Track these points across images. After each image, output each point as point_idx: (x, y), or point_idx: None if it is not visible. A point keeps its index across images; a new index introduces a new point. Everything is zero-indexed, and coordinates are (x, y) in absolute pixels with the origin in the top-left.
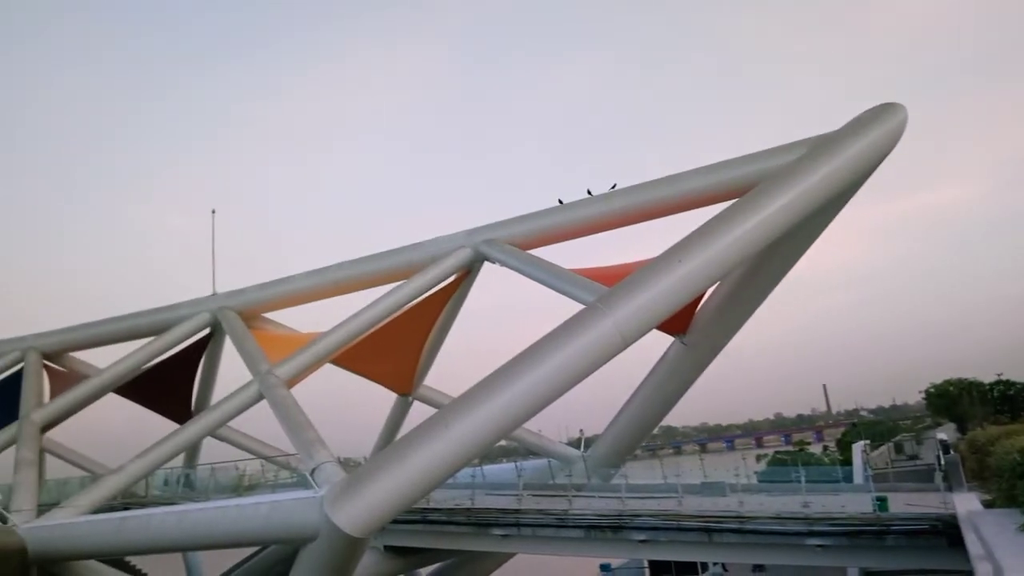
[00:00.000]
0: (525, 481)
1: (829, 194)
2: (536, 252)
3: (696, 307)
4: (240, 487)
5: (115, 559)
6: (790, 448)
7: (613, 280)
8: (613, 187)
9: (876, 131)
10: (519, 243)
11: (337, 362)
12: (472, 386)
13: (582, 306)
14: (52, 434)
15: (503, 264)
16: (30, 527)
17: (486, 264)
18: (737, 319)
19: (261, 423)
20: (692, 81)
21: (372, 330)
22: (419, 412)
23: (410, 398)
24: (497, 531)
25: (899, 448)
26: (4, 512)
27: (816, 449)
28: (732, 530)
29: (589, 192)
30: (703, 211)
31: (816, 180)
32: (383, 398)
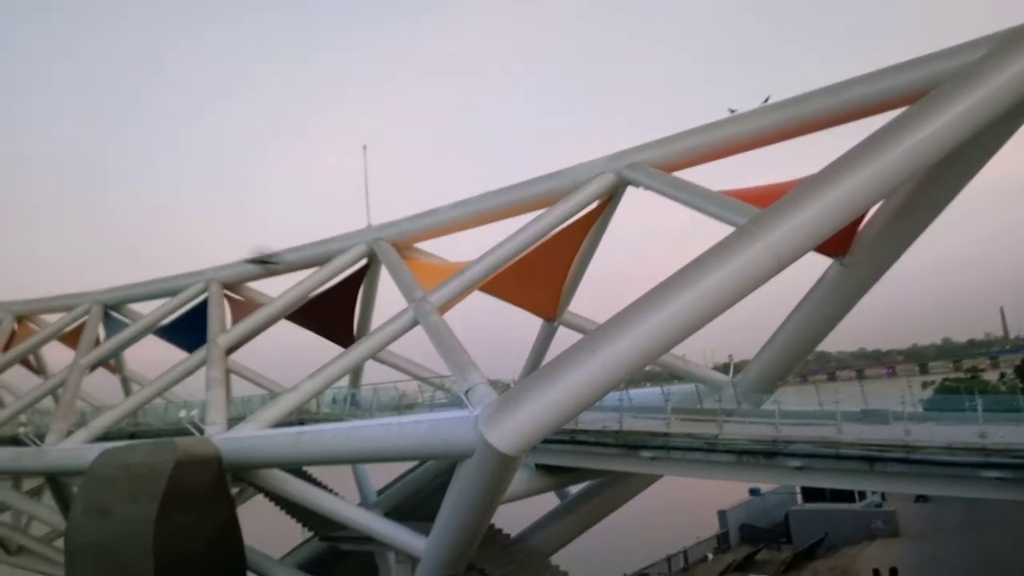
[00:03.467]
0: (672, 405)
1: (1019, 97)
2: (683, 174)
3: (858, 226)
4: (400, 406)
5: (294, 468)
6: (961, 375)
7: (767, 200)
8: (766, 101)
9: None
10: (664, 166)
11: (485, 289)
12: (620, 310)
13: (731, 229)
14: (235, 356)
15: (647, 188)
16: (222, 438)
17: (630, 189)
18: (904, 239)
19: (417, 347)
20: None
21: (517, 258)
22: (564, 337)
23: (555, 323)
24: (645, 453)
25: None
26: (201, 424)
27: (991, 376)
28: (897, 459)
29: (732, 111)
30: (870, 122)
31: (1004, 80)
32: (529, 324)
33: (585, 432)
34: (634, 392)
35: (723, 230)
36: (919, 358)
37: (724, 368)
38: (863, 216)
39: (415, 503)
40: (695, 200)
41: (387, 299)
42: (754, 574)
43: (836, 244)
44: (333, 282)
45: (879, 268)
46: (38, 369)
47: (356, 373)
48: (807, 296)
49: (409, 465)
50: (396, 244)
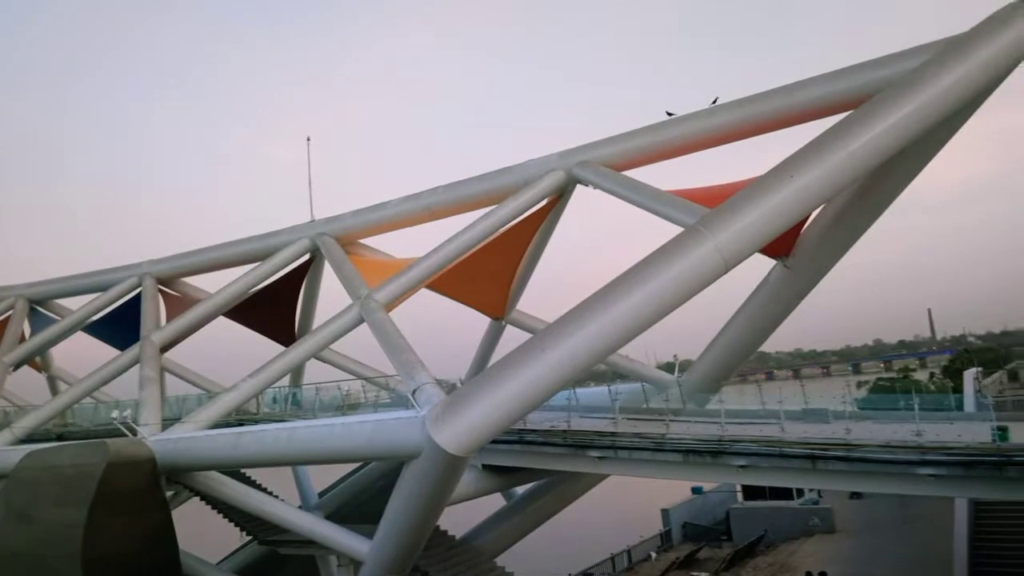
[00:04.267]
0: (619, 405)
1: (956, 104)
2: (632, 174)
3: (801, 228)
4: (344, 406)
5: (232, 471)
6: (893, 374)
7: (715, 201)
8: (714, 102)
9: (1013, 31)
10: (614, 164)
11: (432, 287)
12: (569, 310)
13: (681, 229)
14: (170, 355)
15: (597, 187)
16: (157, 439)
17: (579, 187)
18: (845, 241)
19: (360, 346)
20: None
21: (466, 255)
22: (512, 336)
23: (503, 322)
24: (593, 453)
25: (1014, 376)
26: (133, 425)
27: (921, 376)
28: (838, 458)
29: (669, 114)
30: (814, 125)
31: (943, 88)
32: (475, 323)
33: (533, 432)
34: (580, 391)
35: (674, 229)
36: (852, 358)
37: (668, 367)
38: (806, 219)
39: (358, 505)
40: (644, 200)
41: (330, 296)
42: (695, 572)
43: (780, 246)
44: (274, 278)
45: (820, 270)
46: None
47: (298, 372)
48: (751, 297)
49: (351, 467)
50: (341, 239)
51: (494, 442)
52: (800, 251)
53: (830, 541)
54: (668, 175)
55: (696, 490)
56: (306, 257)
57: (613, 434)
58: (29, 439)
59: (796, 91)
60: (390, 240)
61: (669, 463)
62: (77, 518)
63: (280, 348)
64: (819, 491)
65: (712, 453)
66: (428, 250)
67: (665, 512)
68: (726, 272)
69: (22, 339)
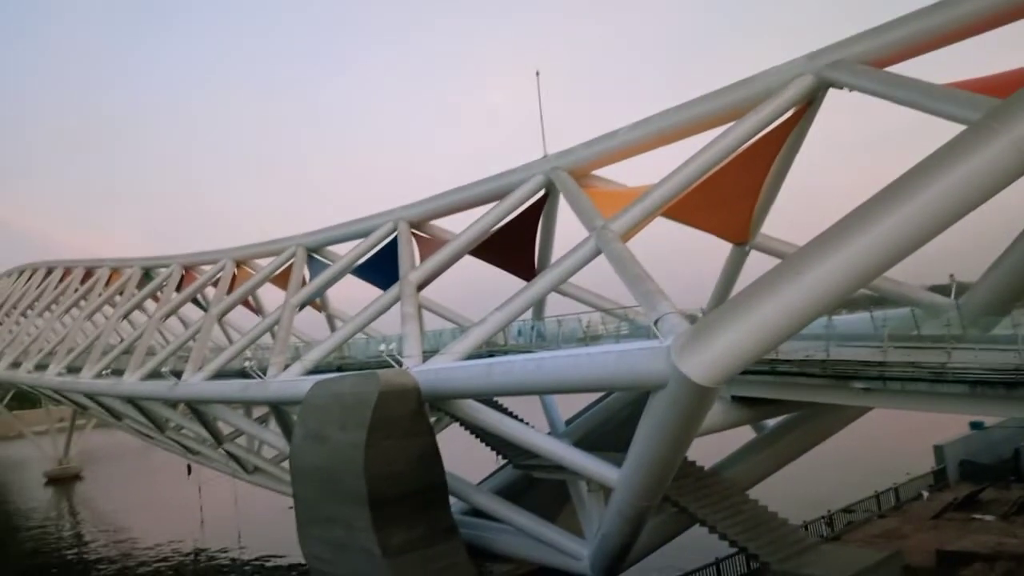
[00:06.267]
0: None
1: None
2: (895, 69)
3: None
4: (586, 337)
5: (486, 399)
6: None
7: (1006, 91)
8: None
9: None
10: (873, 61)
11: (668, 214)
12: (831, 225)
13: (962, 128)
14: (424, 292)
15: (856, 88)
16: (419, 370)
17: (831, 92)
18: None
19: (595, 278)
20: None
21: (704, 177)
22: (756, 263)
23: (747, 247)
24: (858, 384)
25: None
26: (399, 357)
27: None
28: None
29: None
30: None
31: None
32: (714, 251)
33: (787, 362)
34: (838, 319)
35: (948, 131)
36: None
37: (940, 290)
38: None
39: (604, 433)
40: (915, 97)
41: (567, 230)
42: (979, 514)
43: None
44: (513, 215)
45: None
46: (256, 309)
47: (539, 305)
48: None
49: (597, 395)
50: (573, 173)
51: (743, 372)
52: None
53: None
54: (931, 70)
55: (976, 425)
56: (542, 192)
57: (881, 363)
58: (316, 370)
59: None
60: (624, 171)
61: (951, 395)
62: (358, 439)
63: (521, 283)
64: None
65: (1007, 384)
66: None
67: (939, 448)
68: None
69: (304, 283)
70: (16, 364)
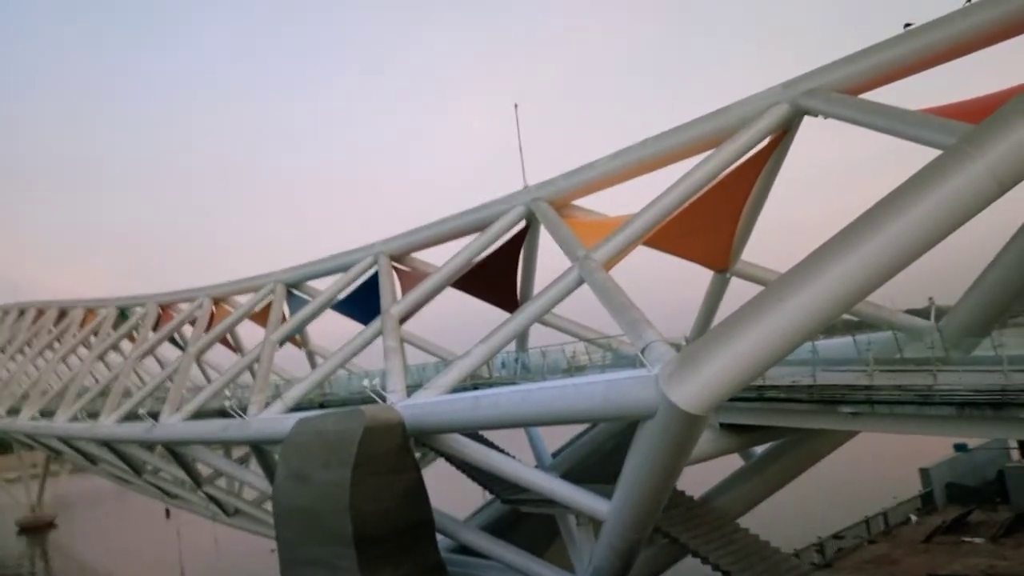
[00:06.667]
0: (864, 356)
1: None
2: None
3: None
4: (571, 368)
5: (472, 433)
6: None
7: (979, 116)
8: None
9: None
10: (847, 88)
11: (650, 243)
12: (812, 252)
13: (935, 154)
14: (406, 326)
15: (831, 116)
16: (404, 404)
17: (807, 119)
18: None
19: (576, 308)
20: None
21: (684, 206)
22: (736, 290)
23: (728, 274)
24: (845, 409)
25: None
26: (383, 392)
27: None
28: None
29: (907, 25)
30: None
31: None
32: (694, 278)
33: (775, 388)
34: (820, 344)
35: (925, 156)
36: None
37: (921, 313)
38: None
39: (590, 465)
40: (890, 123)
41: (548, 261)
42: (968, 537)
43: None
44: (494, 247)
45: None
46: (235, 347)
47: (523, 337)
48: None
49: (581, 428)
50: (554, 203)
51: (731, 399)
52: None
53: None
54: (904, 96)
55: (960, 447)
56: (523, 224)
57: (868, 387)
58: (297, 407)
59: None
60: (602, 201)
61: (939, 418)
62: (343, 477)
63: (503, 314)
64: None
65: (993, 405)
66: (642, 206)
67: (925, 472)
68: (1000, 195)
69: (283, 319)
70: None
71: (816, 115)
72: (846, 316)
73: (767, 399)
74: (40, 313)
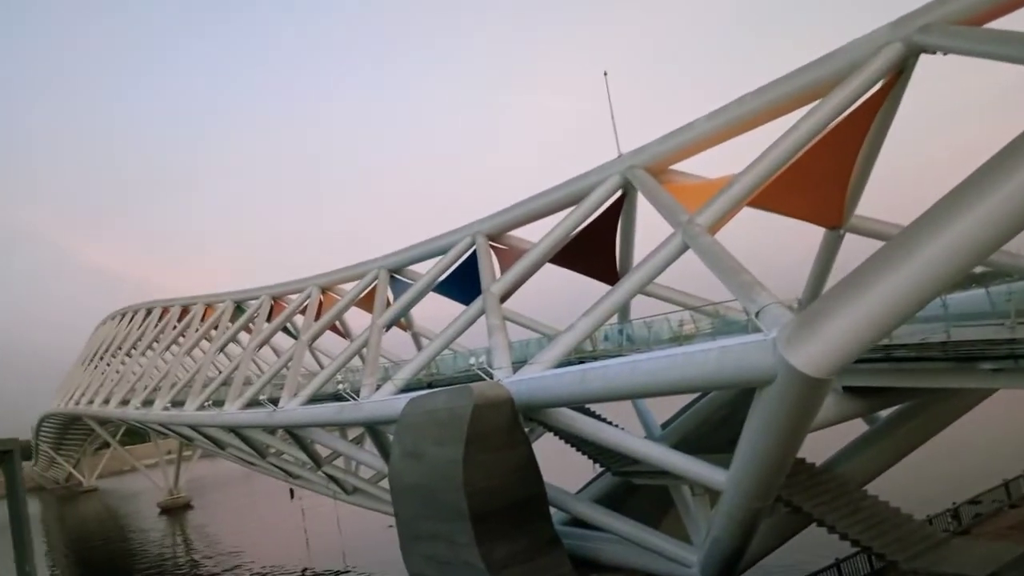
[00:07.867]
0: (1001, 308)
1: None
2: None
3: None
4: (679, 336)
5: (579, 406)
6: None
7: None
8: None
9: None
10: (968, 19)
11: (755, 203)
12: (938, 200)
13: None
14: (507, 304)
15: (952, 51)
16: (511, 380)
17: (923, 58)
18: None
19: (680, 276)
20: None
21: (791, 162)
22: (850, 247)
23: (841, 231)
24: (986, 365)
25: None
26: (489, 369)
27: None
28: None
29: None
30: None
31: None
32: (804, 238)
33: (904, 347)
34: (950, 297)
35: None
36: None
37: None
38: None
39: (701, 435)
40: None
41: (646, 229)
42: None
43: None
44: (591, 219)
45: None
46: (344, 333)
47: (625, 308)
48: None
49: (689, 399)
50: (650, 169)
51: (856, 361)
52: None
53: None
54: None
55: None
56: (619, 193)
57: (1011, 340)
58: (406, 388)
59: None
60: (701, 164)
61: None
62: (455, 455)
63: (603, 287)
64: None
65: None
66: (742, 168)
67: None
68: None
69: (388, 304)
70: (125, 402)
71: (934, 52)
72: (984, 265)
73: (895, 359)
74: (165, 311)
